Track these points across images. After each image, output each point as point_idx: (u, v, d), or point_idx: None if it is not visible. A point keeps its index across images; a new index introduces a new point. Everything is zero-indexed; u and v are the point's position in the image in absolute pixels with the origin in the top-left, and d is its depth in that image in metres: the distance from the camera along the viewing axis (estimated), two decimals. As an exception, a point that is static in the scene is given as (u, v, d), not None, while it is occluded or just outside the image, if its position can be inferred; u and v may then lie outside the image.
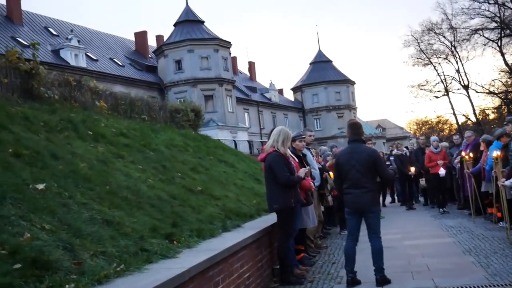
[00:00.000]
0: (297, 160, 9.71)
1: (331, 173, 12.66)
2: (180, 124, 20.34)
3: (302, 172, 8.90)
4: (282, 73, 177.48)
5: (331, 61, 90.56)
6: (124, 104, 17.10)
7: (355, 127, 8.66)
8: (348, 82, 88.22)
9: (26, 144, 8.51)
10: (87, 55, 52.99)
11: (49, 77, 13.67)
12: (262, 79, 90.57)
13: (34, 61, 12.77)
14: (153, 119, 18.54)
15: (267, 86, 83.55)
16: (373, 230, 8.34)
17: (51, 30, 55.14)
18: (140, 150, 12.46)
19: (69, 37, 51.35)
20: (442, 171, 17.89)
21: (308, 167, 10.18)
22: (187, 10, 63.54)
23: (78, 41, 51.96)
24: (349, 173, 8.32)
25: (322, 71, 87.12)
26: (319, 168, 12.32)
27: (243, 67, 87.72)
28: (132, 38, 67.80)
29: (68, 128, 11.13)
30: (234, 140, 51.28)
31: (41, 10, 68.55)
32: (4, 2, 51.53)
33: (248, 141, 58.41)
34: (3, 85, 12.07)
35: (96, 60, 55.08)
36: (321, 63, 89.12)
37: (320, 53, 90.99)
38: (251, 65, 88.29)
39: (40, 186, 6.69)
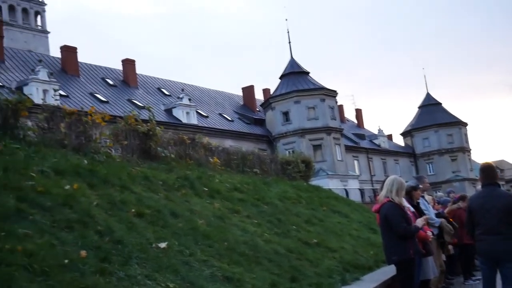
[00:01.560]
0: (412, 209, 9.44)
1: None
2: (292, 176, 20.41)
3: (420, 222, 8.62)
4: (390, 118, 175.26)
5: (440, 104, 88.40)
6: (236, 159, 17.43)
7: (489, 170, 8.14)
8: (460, 124, 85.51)
9: (147, 203, 8.80)
10: (197, 112, 54.72)
11: (165, 137, 14.21)
12: (370, 126, 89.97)
13: (151, 123, 13.34)
14: (265, 172, 18.74)
15: (376, 132, 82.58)
16: (509, 282, 7.58)
17: (163, 90, 57.59)
18: (254, 204, 12.58)
19: (181, 96, 53.35)
20: None
21: (425, 216, 9.86)
22: (292, 63, 64.43)
23: (189, 100, 53.84)
24: (483, 219, 7.70)
25: (431, 114, 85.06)
26: (436, 215, 11.91)
27: (350, 115, 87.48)
28: (240, 93, 69.43)
29: (185, 186, 11.43)
30: (345, 189, 50.67)
31: (154, 73, 71.93)
32: (121, 68, 54.47)
33: (359, 189, 57.57)
34: (124, 147, 12.67)
35: (207, 117, 56.73)
36: (430, 106, 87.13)
37: (428, 96, 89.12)
38: (358, 112, 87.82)
39: (163, 245, 6.88)
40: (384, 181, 9.05)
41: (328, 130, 60.70)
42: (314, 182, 24.49)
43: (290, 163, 21.15)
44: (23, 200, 7.10)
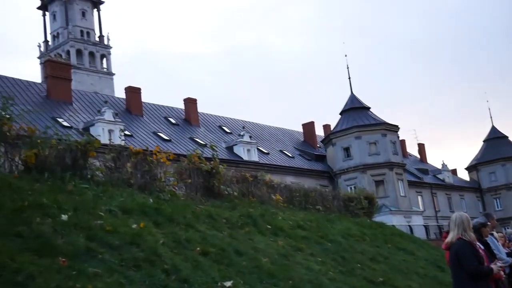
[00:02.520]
0: (482, 247, 9.14)
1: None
2: (354, 213, 20.17)
3: (495, 268, 8.30)
4: (453, 153, 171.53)
5: (507, 137, 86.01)
6: (299, 196, 17.39)
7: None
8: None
9: (212, 241, 8.85)
10: (258, 149, 54.95)
11: (228, 175, 14.34)
12: (433, 160, 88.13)
13: (214, 161, 13.50)
14: (327, 209, 18.60)
15: (439, 167, 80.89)
16: None
17: (224, 128, 58.22)
18: (318, 242, 12.48)
19: (241, 133, 53.76)
20: None
21: (499, 262, 9.50)
22: (352, 98, 64.20)
23: (250, 137, 54.19)
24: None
25: (497, 148, 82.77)
26: (507, 254, 11.50)
27: (412, 149, 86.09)
28: (300, 129, 69.46)
29: (249, 223, 11.46)
30: (409, 225, 49.70)
31: (215, 111, 72.86)
32: (183, 107, 55.48)
33: (424, 225, 56.31)
34: (188, 185, 12.85)
35: (267, 153, 56.90)
36: (495, 139, 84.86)
37: (494, 129, 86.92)
38: (421, 147, 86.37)
39: (228, 284, 6.89)
40: (452, 219, 8.84)
41: (390, 165, 59.86)
42: (377, 218, 24.11)
43: (352, 200, 20.93)
44: (92, 239, 7.27)
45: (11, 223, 6.91)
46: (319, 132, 70.22)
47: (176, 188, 12.80)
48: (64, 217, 7.69)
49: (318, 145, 67.05)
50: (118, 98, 53.92)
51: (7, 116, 10.28)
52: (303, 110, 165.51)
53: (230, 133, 57.11)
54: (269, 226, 12.00)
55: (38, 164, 10.31)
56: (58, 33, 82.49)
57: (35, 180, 9.48)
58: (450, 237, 8.50)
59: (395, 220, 48.50)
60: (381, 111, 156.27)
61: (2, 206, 7.34)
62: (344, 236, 14.35)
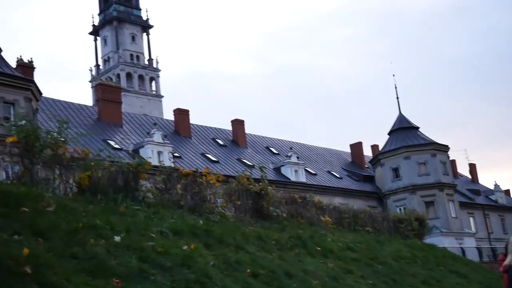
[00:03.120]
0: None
1: None
2: (405, 234, 19.86)
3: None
4: (506, 174, 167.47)
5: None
6: (348, 217, 17.25)
7: None
8: None
9: (261, 263, 8.84)
10: (306, 170, 54.77)
11: (277, 196, 14.34)
12: (485, 181, 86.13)
13: (263, 182, 13.52)
14: (377, 230, 18.38)
15: (491, 187, 79.05)
16: None
17: (272, 149, 58.27)
18: (368, 264, 12.34)
19: (289, 154, 53.72)
20: None
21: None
22: (401, 118, 63.51)
23: (297, 157, 54.09)
24: None
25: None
26: None
27: (463, 170, 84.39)
28: (348, 149, 68.96)
29: (298, 245, 11.41)
30: (461, 247, 48.61)
31: (262, 132, 73.11)
32: (230, 128, 55.82)
33: (476, 247, 54.97)
34: (237, 206, 12.89)
35: (315, 174, 56.65)
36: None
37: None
38: (472, 167, 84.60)
39: (279, 306, 6.86)
40: (510, 241, 8.66)
41: (440, 186, 58.82)
42: (428, 240, 23.71)
43: (402, 221, 20.63)
44: (144, 260, 7.35)
45: (67, 245, 7.05)
46: (367, 152, 69.57)
47: (226, 209, 12.86)
48: (117, 238, 7.81)
49: (366, 166, 66.40)
50: (167, 120, 54.65)
51: (62, 139, 10.56)
52: (350, 130, 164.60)
53: (278, 154, 57.10)
54: (319, 248, 11.92)
55: (91, 186, 10.52)
56: (108, 57, 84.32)
57: (88, 201, 9.66)
58: (508, 260, 8.33)
59: (447, 242, 47.52)
60: (431, 131, 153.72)
61: (58, 227, 7.50)
62: (394, 258, 14.14)
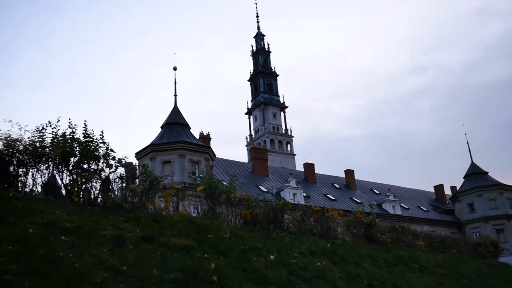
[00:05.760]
0: None
1: None
2: (482, 255, 18.16)
3: None
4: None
5: None
6: (437, 241, 16.11)
7: None
8: None
9: (374, 276, 8.47)
10: (401, 206, 52.22)
11: (382, 226, 13.76)
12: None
13: (372, 216, 13.07)
14: (460, 252, 16.98)
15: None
16: None
17: (374, 190, 56.26)
18: (455, 278, 11.41)
19: (387, 194, 51.61)
20: None
21: None
22: (473, 166, 58.95)
23: (394, 196, 51.79)
24: None
25: None
26: None
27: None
28: (431, 189, 65.15)
29: (400, 263, 10.82)
30: (528, 265, 43.47)
31: (367, 178, 71.21)
32: (344, 175, 54.83)
33: (541, 265, 48.92)
34: (353, 233, 12.50)
35: (408, 209, 53.81)
36: None
37: None
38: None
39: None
40: None
41: (508, 217, 53.38)
42: (501, 259, 21.45)
43: (480, 245, 18.93)
44: (291, 273, 7.30)
45: (238, 261, 7.18)
46: (447, 191, 65.21)
47: (345, 236, 12.53)
48: (272, 257, 7.84)
49: (447, 202, 62.19)
50: (298, 171, 54.75)
51: (233, 187, 10.92)
52: (433, 174, 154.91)
53: (379, 194, 55.02)
54: (416, 265, 11.21)
55: (252, 219, 10.73)
56: (258, 129, 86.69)
57: (251, 230, 9.83)
58: None
59: (516, 261, 42.72)
60: (500, 173, 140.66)
61: (232, 248, 7.67)
62: (476, 274, 12.95)
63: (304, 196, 43.07)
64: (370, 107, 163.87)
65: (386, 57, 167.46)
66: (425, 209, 56.06)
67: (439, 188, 64.33)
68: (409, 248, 13.42)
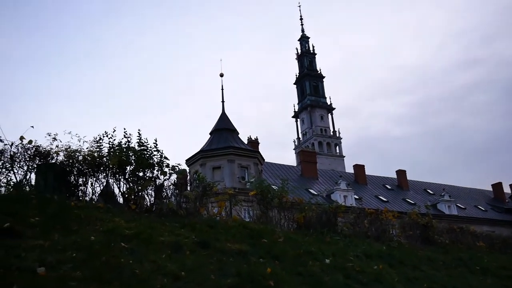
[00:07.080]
0: None
1: None
2: (549, 256, 17.12)
3: None
4: None
5: None
6: (498, 242, 15.35)
7: None
8: None
9: (433, 279, 8.17)
10: (457, 205, 50.24)
11: (439, 227, 13.28)
12: None
13: (428, 217, 12.65)
14: (524, 253, 16.08)
15: None
16: None
17: (428, 190, 54.47)
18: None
19: (442, 194, 49.85)
20: None
21: None
22: (533, 162, 56.27)
23: (449, 196, 49.94)
24: None
25: None
26: None
27: None
28: (489, 188, 62.25)
29: (460, 265, 10.39)
30: None
31: (420, 178, 69.11)
32: (395, 176, 53.45)
33: None
34: (409, 235, 12.13)
35: (464, 208, 51.68)
36: None
37: None
38: None
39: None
40: None
41: None
42: None
43: (546, 245, 17.84)
44: (347, 277, 7.15)
45: (294, 265, 7.11)
46: (507, 190, 62.10)
47: (401, 238, 12.17)
48: (327, 260, 7.72)
49: (507, 200, 59.20)
50: (348, 173, 53.85)
51: (285, 191, 10.86)
52: (490, 172, 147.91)
53: (433, 194, 53.20)
54: (478, 267, 10.71)
55: (305, 223, 10.63)
56: (306, 132, 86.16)
57: (304, 234, 9.73)
58: None
59: None
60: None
61: (287, 253, 7.62)
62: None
63: (355, 198, 42.32)
64: (423, 104, 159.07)
65: (439, 51, 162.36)
66: (483, 209, 53.69)
67: (497, 186, 61.40)
68: (469, 250, 12.86)
